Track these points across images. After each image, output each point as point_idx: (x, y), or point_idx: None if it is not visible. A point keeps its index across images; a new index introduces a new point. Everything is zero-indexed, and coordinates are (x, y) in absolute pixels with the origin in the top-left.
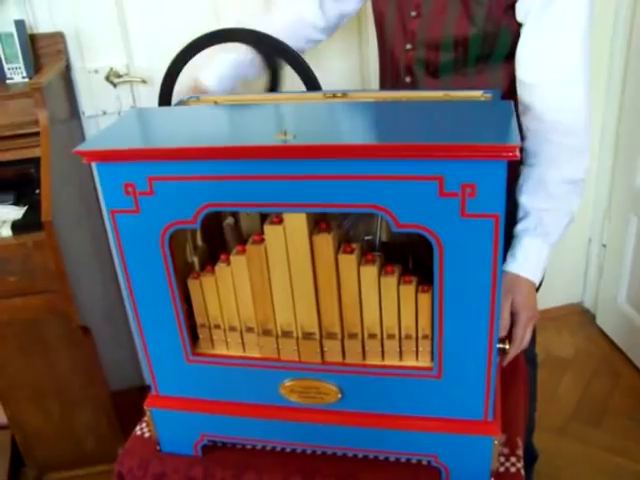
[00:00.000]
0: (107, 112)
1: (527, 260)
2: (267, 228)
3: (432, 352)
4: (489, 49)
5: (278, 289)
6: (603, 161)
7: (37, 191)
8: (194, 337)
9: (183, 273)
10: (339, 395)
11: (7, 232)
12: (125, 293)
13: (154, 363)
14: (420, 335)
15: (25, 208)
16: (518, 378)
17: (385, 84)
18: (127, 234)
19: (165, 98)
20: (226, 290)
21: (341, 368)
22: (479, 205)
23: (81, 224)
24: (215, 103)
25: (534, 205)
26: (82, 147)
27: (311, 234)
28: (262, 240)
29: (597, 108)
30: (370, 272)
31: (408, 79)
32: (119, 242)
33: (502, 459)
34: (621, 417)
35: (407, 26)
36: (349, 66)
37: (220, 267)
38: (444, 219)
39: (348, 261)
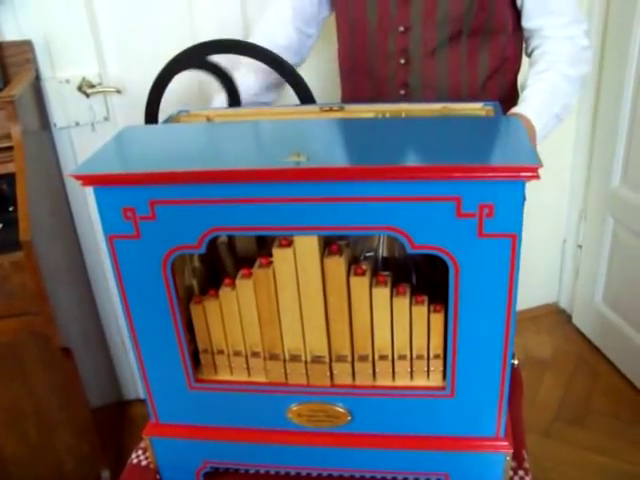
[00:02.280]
0: (80, 123)
1: (530, 107)
2: (276, 251)
3: (444, 371)
4: (480, 23)
5: (286, 313)
6: (578, 161)
7: (11, 208)
8: (195, 363)
9: (182, 296)
10: (348, 417)
11: None
12: (103, 310)
13: (154, 391)
14: (432, 355)
15: None
16: (516, 387)
17: (366, 74)
18: (126, 260)
19: (152, 114)
20: (231, 315)
21: (351, 390)
22: (496, 225)
23: (55, 240)
24: (207, 119)
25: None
26: (78, 170)
27: (322, 256)
28: (269, 263)
29: None
30: (382, 294)
31: (402, 61)
32: (117, 268)
33: (510, 473)
34: (604, 416)
35: (397, 11)
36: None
37: (225, 291)
38: (461, 240)
39: (360, 283)
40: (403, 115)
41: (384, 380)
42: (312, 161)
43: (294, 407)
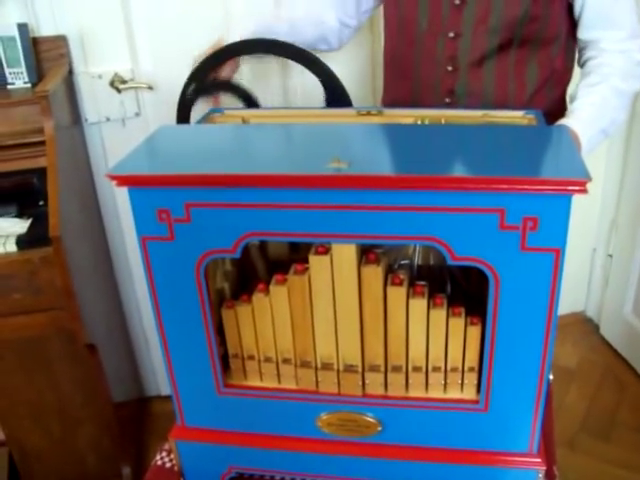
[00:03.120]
0: (111, 119)
1: (578, 119)
2: (313, 258)
3: (478, 385)
4: (532, 32)
5: (320, 321)
6: (611, 169)
7: (41, 203)
8: (225, 368)
9: (213, 300)
10: (379, 428)
11: (12, 247)
12: (127, 306)
13: (182, 394)
14: (466, 367)
15: (29, 221)
16: (548, 401)
17: (411, 77)
18: (159, 262)
19: (184, 111)
20: (263, 320)
21: (382, 401)
22: (540, 239)
23: (83, 236)
24: (242, 119)
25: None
26: (113, 170)
27: (359, 265)
28: (305, 270)
29: None
30: (419, 305)
31: (450, 67)
32: (149, 270)
33: None
34: (630, 430)
35: (449, 14)
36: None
37: (258, 297)
38: (503, 253)
39: (397, 293)
40: (443, 122)
41: (417, 391)
42: (353, 168)
43: (324, 416)
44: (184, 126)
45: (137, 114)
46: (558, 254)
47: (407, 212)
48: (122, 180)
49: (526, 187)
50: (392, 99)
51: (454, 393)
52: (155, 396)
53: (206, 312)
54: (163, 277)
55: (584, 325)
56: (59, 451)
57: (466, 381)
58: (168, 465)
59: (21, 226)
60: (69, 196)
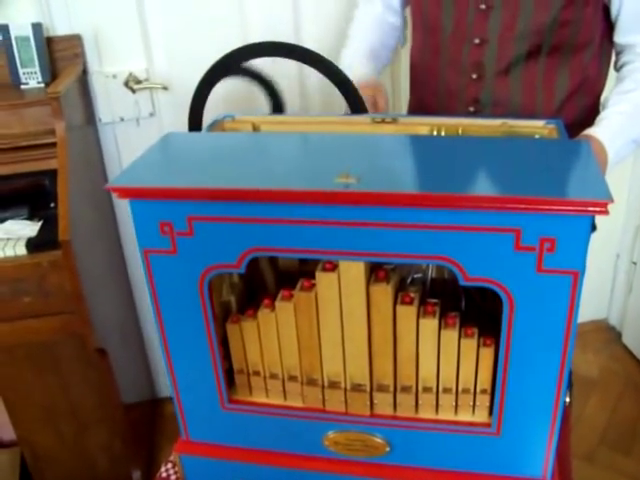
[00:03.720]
0: (125, 119)
1: (606, 128)
2: (320, 275)
3: (490, 407)
4: (562, 38)
5: (327, 339)
6: (637, 175)
7: (52, 205)
8: (230, 382)
9: (219, 313)
10: (387, 449)
11: (22, 250)
12: (140, 309)
13: (186, 409)
14: (478, 390)
15: (40, 223)
16: (565, 424)
17: (436, 83)
18: (162, 276)
19: (196, 117)
20: (268, 337)
21: (391, 422)
22: (558, 260)
23: (96, 239)
24: (253, 126)
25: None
26: (116, 182)
27: (368, 283)
28: (312, 286)
29: None
30: (430, 325)
31: (474, 75)
32: (152, 283)
33: None
34: None
35: (472, 19)
36: None
37: (263, 312)
38: (518, 274)
39: (407, 313)
40: (460, 131)
41: (427, 413)
42: (362, 184)
43: (331, 435)
44: (191, 134)
45: (152, 114)
46: (576, 277)
47: (418, 230)
48: (123, 192)
49: (543, 207)
50: (417, 105)
51: (465, 415)
52: (167, 397)
53: (210, 327)
54: (166, 291)
55: (606, 333)
56: (70, 453)
57: (478, 403)
58: (173, 478)
59: (31, 229)
60: (81, 198)
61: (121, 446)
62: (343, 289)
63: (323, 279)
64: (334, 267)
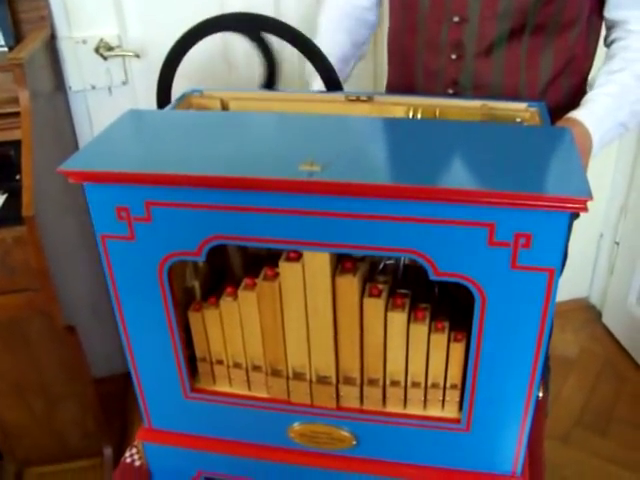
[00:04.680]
0: (96, 87)
1: (591, 111)
2: (283, 265)
3: (460, 403)
4: (546, 16)
5: (291, 329)
6: (623, 155)
7: (17, 177)
8: (193, 370)
9: (182, 299)
10: (354, 442)
11: None
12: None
13: (148, 398)
14: (448, 385)
15: (4, 197)
16: (538, 420)
17: (412, 64)
18: (120, 262)
19: (164, 92)
20: (232, 326)
21: (357, 415)
22: (533, 257)
23: (66, 213)
24: (222, 102)
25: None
26: (69, 165)
27: (334, 274)
28: (275, 275)
29: None
30: (398, 319)
31: (454, 56)
32: (110, 270)
33: None
34: (627, 426)
35: None
36: None
37: (226, 301)
38: (491, 270)
39: (374, 305)
40: (437, 113)
41: (394, 407)
42: (327, 172)
43: (296, 426)
44: (153, 112)
45: (124, 83)
46: (552, 274)
47: (385, 222)
48: (77, 176)
49: (519, 202)
50: (395, 86)
51: (434, 410)
52: None
53: (170, 315)
54: (124, 278)
55: (586, 312)
56: (41, 429)
57: (447, 398)
58: (137, 463)
59: None
60: (49, 170)
61: (92, 422)
62: (307, 280)
63: (287, 269)
64: (299, 256)
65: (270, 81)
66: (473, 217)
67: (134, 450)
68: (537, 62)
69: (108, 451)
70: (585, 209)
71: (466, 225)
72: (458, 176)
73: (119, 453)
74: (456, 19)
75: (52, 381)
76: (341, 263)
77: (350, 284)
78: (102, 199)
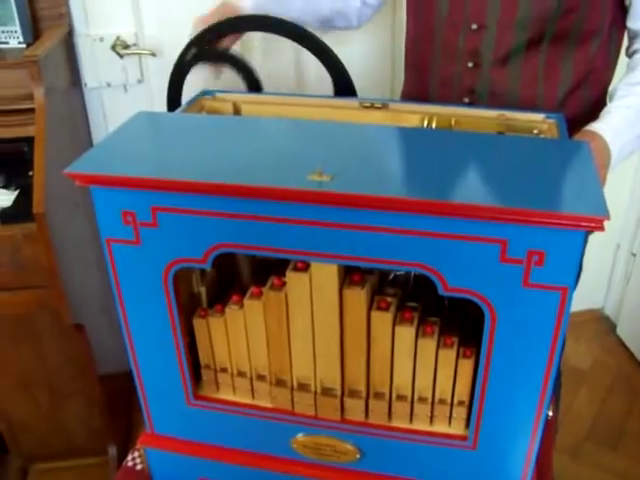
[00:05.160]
0: (112, 84)
1: (610, 124)
2: (290, 275)
3: (467, 419)
4: (566, 26)
5: (297, 340)
6: None
7: (30, 173)
8: (196, 377)
9: (188, 305)
10: (357, 455)
11: None
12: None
13: (150, 403)
14: (456, 401)
15: (16, 193)
16: (547, 438)
17: (427, 72)
18: (125, 266)
19: (175, 93)
20: (237, 334)
21: (362, 429)
22: (546, 275)
23: (77, 210)
24: (234, 105)
25: None
26: (76, 167)
27: (341, 286)
28: (282, 285)
29: None
30: (406, 333)
31: (470, 64)
32: (115, 274)
33: None
34: (639, 441)
35: (472, 3)
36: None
37: (231, 309)
38: (503, 287)
39: (382, 319)
40: (452, 122)
41: (400, 421)
42: (336, 183)
43: (300, 437)
44: (163, 115)
45: (139, 81)
46: (565, 293)
47: (395, 235)
48: (84, 179)
49: (532, 219)
50: (410, 93)
51: (441, 426)
52: None
53: (175, 322)
54: (129, 282)
55: (600, 324)
56: (46, 424)
57: (455, 415)
58: (139, 467)
59: (7, 198)
60: (60, 165)
61: (98, 420)
62: (315, 291)
63: (294, 279)
64: (306, 267)
65: (252, 83)
66: (485, 233)
67: (136, 454)
68: (556, 72)
69: (113, 450)
70: (601, 228)
71: (478, 241)
72: (471, 190)
73: (124, 452)
74: (474, 26)
75: (59, 378)
76: (349, 275)
77: (358, 297)
78: (108, 203)
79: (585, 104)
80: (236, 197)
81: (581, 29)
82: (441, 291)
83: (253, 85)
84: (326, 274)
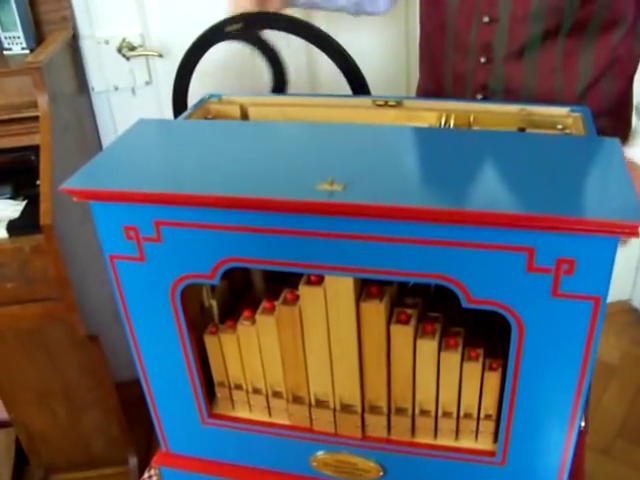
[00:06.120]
0: (119, 87)
1: None
2: (303, 289)
3: (495, 434)
4: (585, 16)
5: (313, 356)
6: None
7: (38, 182)
8: (210, 394)
9: (198, 319)
10: (381, 473)
11: (2, 233)
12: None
13: (164, 422)
14: (482, 415)
15: (24, 203)
16: (578, 450)
17: (441, 69)
18: (130, 284)
19: (180, 96)
20: (250, 351)
21: (384, 445)
22: (576, 284)
23: (87, 216)
24: (241, 108)
25: None
26: (73, 182)
27: (358, 298)
28: (295, 299)
29: None
30: (429, 347)
31: (483, 59)
32: (120, 292)
33: None
34: None
35: None
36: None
37: (243, 325)
38: (530, 298)
39: (403, 333)
40: (471, 119)
41: (424, 437)
42: (350, 192)
43: (320, 455)
44: (165, 122)
45: (147, 83)
46: (598, 303)
47: (414, 245)
48: (81, 195)
49: (562, 227)
50: (425, 89)
51: (467, 442)
52: None
53: (185, 340)
54: (136, 300)
55: (629, 315)
56: (65, 435)
57: (481, 429)
58: None
59: (14, 209)
60: (68, 173)
61: (117, 430)
62: (330, 305)
63: (307, 293)
64: (320, 280)
65: (280, 83)
66: (511, 241)
67: (152, 472)
68: (575, 64)
69: (133, 460)
70: (636, 234)
71: (503, 249)
72: (494, 196)
73: (145, 461)
74: (486, 19)
75: (75, 389)
76: (366, 287)
77: (376, 310)
78: (109, 218)
79: (607, 97)
80: (243, 210)
81: (602, 18)
82: (464, 303)
83: (279, 87)
84: (341, 287)
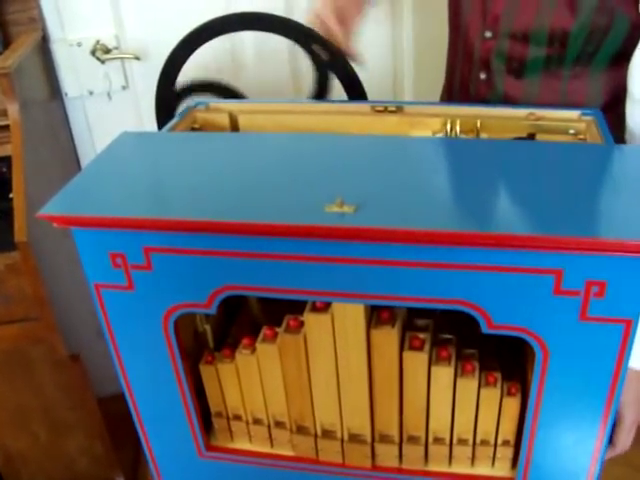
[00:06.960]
0: (94, 92)
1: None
2: (309, 316)
3: (514, 459)
4: (594, 47)
5: (319, 385)
6: None
7: (11, 195)
8: (207, 425)
9: (192, 346)
10: None
11: None
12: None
13: (158, 457)
14: (500, 441)
15: None
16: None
17: (452, 77)
18: (118, 314)
19: (165, 103)
20: (250, 381)
21: (396, 476)
22: (606, 307)
23: (67, 233)
24: (230, 116)
25: None
26: (53, 207)
27: (368, 325)
28: (299, 325)
29: None
30: (444, 374)
31: (483, 75)
32: (107, 322)
33: None
34: None
35: (489, 8)
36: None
37: (242, 354)
38: (557, 322)
39: (416, 359)
40: (478, 124)
41: (438, 465)
42: (360, 214)
43: None
44: (150, 135)
45: (124, 87)
46: (629, 326)
47: (430, 269)
48: (62, 221)
49: (590, 248)
50: (443, 94)
51: (484, 468)
52: None
53: (179, 371)
54: (125, 332)
55: None
56: (47, 455)
57: (499, 455)
58: None
59: None
60: (46, 186)
61: (101, 449)
62: (337, 332)
63: (313, 321)
64: (327, 306)
65: (321, 92)
66: (537, 263)
67: None
68: (582, 92)
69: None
70: None
71: (528, 272)
72: (517, 215)
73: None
74: (488, 34)
75: (56, 410)
76: (377, 312)
77: (388, 336)
78: (94, 244)
79: (617, 128)
80: (237, 235)
81: (615, 47)
82: (485, 329)
83: (320, 94)
84: (351, 313)
